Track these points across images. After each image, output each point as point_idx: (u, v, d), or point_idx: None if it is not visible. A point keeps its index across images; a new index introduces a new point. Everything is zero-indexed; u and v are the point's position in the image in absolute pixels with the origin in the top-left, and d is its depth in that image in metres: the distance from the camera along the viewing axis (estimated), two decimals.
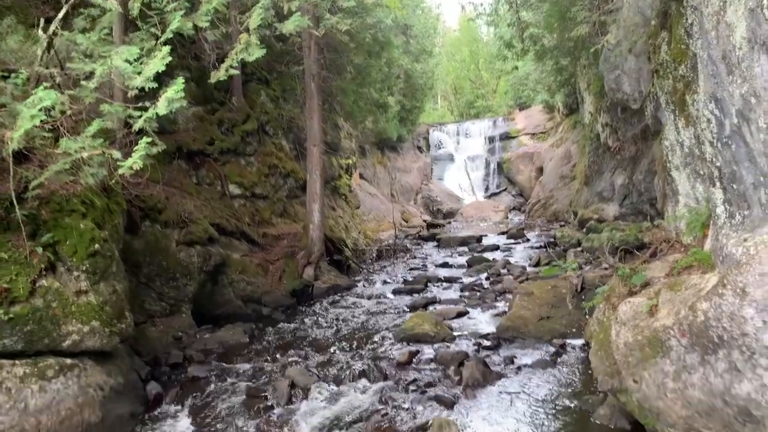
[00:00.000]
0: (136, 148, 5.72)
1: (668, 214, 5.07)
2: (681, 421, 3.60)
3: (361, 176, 19.47)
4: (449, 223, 22.71)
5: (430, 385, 6.40)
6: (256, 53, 6.78)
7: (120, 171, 5.67)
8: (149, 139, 5.72)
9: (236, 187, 10.98)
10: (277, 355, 7.57)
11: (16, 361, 5.15)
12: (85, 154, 5.55)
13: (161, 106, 5.53)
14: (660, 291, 3.91)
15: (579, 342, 7.28)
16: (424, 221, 22.28)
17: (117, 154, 5.66)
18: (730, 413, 3.21)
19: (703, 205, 4.37)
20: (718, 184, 3.83)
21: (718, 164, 3.78)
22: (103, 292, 6.01)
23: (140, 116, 5.65)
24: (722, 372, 3.20)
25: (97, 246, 6.00)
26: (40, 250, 5.48)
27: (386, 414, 5.80)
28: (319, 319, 9.40)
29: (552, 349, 7.23)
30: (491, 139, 27.86)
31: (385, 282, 12.21)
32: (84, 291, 5.79)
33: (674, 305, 3.66)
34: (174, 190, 9.35)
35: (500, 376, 6.50)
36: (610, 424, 5.11)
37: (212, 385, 6.63)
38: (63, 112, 5.70)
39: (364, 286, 11.82)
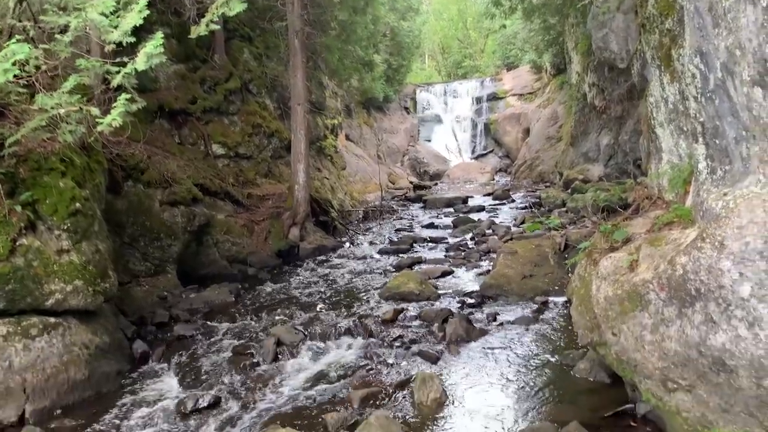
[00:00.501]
0: (114, 104, 5.60)
1: (651, 171, 5.09)
2: (657, 372, 3.68)
3: (347, 137, 19.31)
4: (436, 184, 22.71)
5: (414, 341, 6.50)
6: (237, 7, 6.59)
7: (99, 128, 5.56)
8: (128, 96, 5.59)
9: (220, 147, 10.85)
10: (263, 315, 7.62)
11: None
12: (62, 111, 5.42)
13: (140, 62, 5.39)
14: (641, 246, 3.95)
15: (561, 299, 7.39)
16: (411, 183, 22.26)
17: (95, 111, 5.53)
18: (705, 363, 3.29)
19: (685, 162, 4.38)
20: (700, 139, 3.84)
21: (701, 119, 3.78)
22: (86, 251, 5.96)
23: (118, 72, 5.50)
24: (698, 324, 3.27)
25: (77, 205, 5.92)
26: (19, 208, 5.40)
27: (371, 369, 5.89)
28: (305, 279, 9.44)
29: (534, 307, 7.34)
30: (478, 100, 27.66)
31: (371, 243, 12.25)
32: (66, 250, 5.74)
33: (654, 260, 3.71)
34: (156, 149, 9.21)
35: (483, 332, 6.61)
36: (590, 377, 5.23)
37: (198, 344, 6.68)
38: (38, 68, 5.54)
39: (350, 246, 11.86)
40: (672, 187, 4.45)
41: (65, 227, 5.76)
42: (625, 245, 4.15)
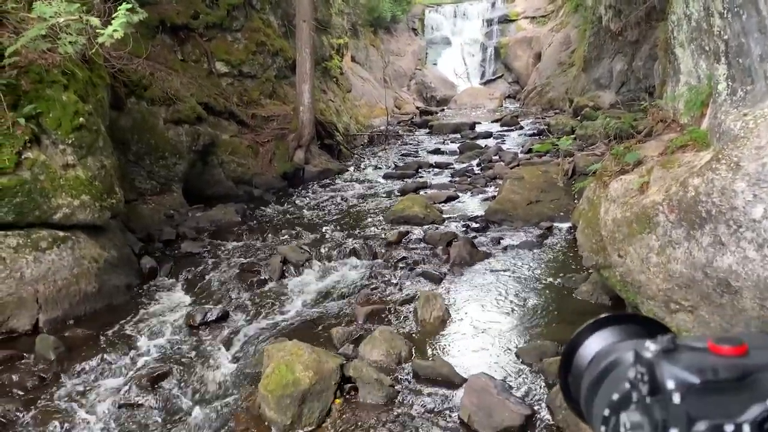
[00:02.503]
0: (115, 15, 5.41)
1: (667, 94, 4.95)
2: (661, 293, 3.72)
3: (353, 59, 18.80)
4: (442, 110, 22.32)
5: (418, 263, 6.57)
6: None
7: (100, 40, 5.40)
8: (129, 5, 5.39)
9: (223, 65, 10.58)
10: (269, 234, 7.68)
11: (8, 233, 5.18)
12: (61, 20, 5.24)
13: None
14: (652, 168, 3.89)
15: (566, 225, 7.41)
16: (417, 108, 21.87)
17: (95, 21, 5.35)
18: (710, 285, 3.31)
19: (704, 84, 4.25)
20: (722, 59, 3.70)
21: (725, 37, 3.62)
22: (91, 166, 5.94)
23: None
24: (706, 246, 3.26)
25: (81, 119, 5.84)
26: (22, 121, 5.33)
27: (376, 288, 5.99)
28: (310, 201, 9.46)
29: (539, 232, 7.37)
30: (489, 22, 26.68)
31: (376, 167, 12.17)
32: (71, 165, 5.71)
33: (665, 182, 3.66)
34: (159, 66, 8.99)
35: (487, 255, 6.66)
36: (591, 299, 5.31)
37: (205, 261, 6.77)
38: None
39: (355, 170, 11.80)
40: (688, 110, 4.33)
41: (70, 142, 5.71)
42: (637, 167, 4.09)
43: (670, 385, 0.50)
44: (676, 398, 0.49)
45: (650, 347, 0.52)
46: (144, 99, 8.39)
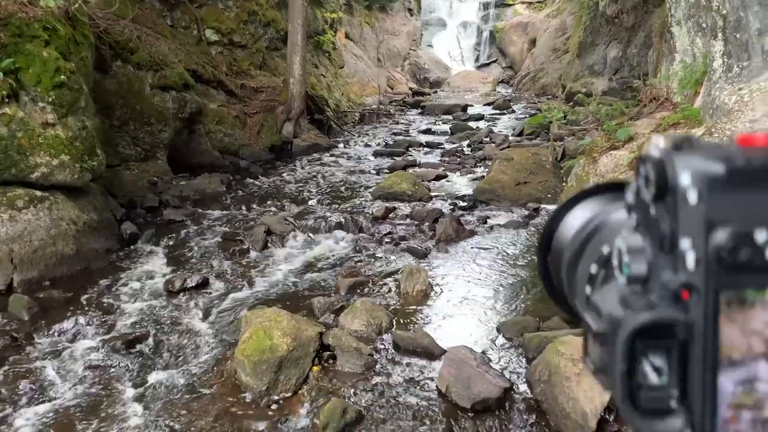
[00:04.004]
0: None
1: (661, 73, 4.89)
2: None
3: (347, 36, 18.54)
4: (435, 92, 22.16)
5: (404, 238, 6.51)
6: None
7: None
8: None
9: (213, 33, 10.37)
10: (254, 205, 7.57)
11: None
12: None
13: None
14: (643, 145, 3.84)
15: (553, 207, 7.34)
16: (410, 89, 21.69)
17: None
18: None
19: (699, 62, 4.18)
20: (719, 35, 3.63)
21: (724, 12, 3.55)
22: (72, 126, 5.78)
23: None
24: None
25: (63, 77, 5.67)
26: (0, 75, 5.16)
27: (360, 261, 5.92)
28: (298, 175, 9.34)
29: (526, 212, 7.32)
30: (486, 6, 26.44)
31: (366, 144, 12.05)
32: (51, 123, 5.56)
33: None
34: (147, 30, 8.78)
35: (473, 233, 6.61)
36: None
37: (188, 229, 6.66)
38: None
39: (344, 147, 11.67)
40: (682, 88, 4.27)
41: (50, 99, 5.55)
42: (627, 144, 4.03)
43: (685, 180, 0.39)
44: (692, 197, 0.39)
45: (659, 143, 0.42)
46: (130, 63, 8.19)
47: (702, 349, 0.40)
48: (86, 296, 5.03)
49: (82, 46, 6.42)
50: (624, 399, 0.41)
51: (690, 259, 0.39)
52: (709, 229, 0.39)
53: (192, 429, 3.59)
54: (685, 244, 0.39)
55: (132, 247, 6.16)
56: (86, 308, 4.83)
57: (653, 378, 0.41)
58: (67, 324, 4.56)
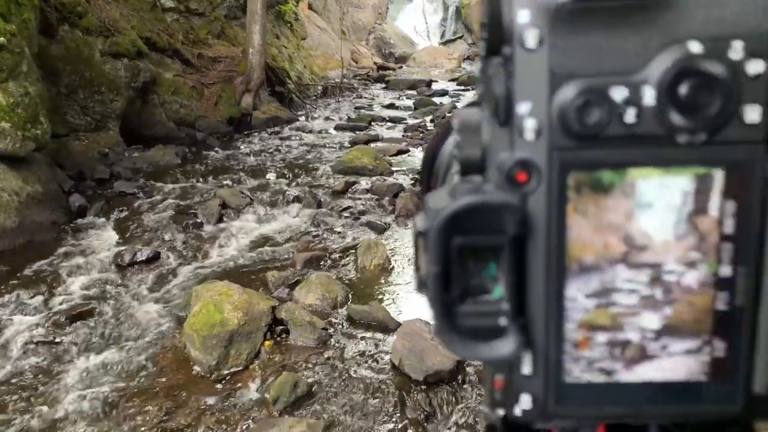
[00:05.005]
0: None
1: None
2: None
3: (310, 7, 18.15)
4: (400, 67, 21.97)
5: (363, 212, 6.44)
6: None
7: None
8: None
9: None
10: (210, 178, 7.38)
11: None
12: None
13: None
14: None
15: None
16: (375, 63, 21.46)
17: None
18: None
19: None
20: None
21: None
22: (13, 92, 5.49)
23: None
24: None
25: (2, 39, 5.36)
26: None
27: (318, 236, 5.83)
28: (256, 148, 9.14)
29: None
30: None
31: (328, 118, 11.87)
32: None
33: None
34: None
35: None
36: None
37: (139, 202, 6.45)
38: None
39: (306, 120, 11.47)
40: None
41: None
42: None
43: (523, 17, 0.30)
44: (531, 41, 0.30)
45: None
46: (78, 27, 7.82)
47: (544, 250, 0.32)
48: (29, 270, 4.83)
49: (24, 8, 6.08)
50: (439, 315, 0.32)
51: (529, 129, 0.31)
52: (554, 84, 0.30)
53: (139, 405, 3.49)
54: (523, 108, 0.31)
55: (80, 220, 5.93)
56: (28, 282, 4.63)
57: (477, 288, 0.33)
58: (7, 298, 4.37)
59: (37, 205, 5.54)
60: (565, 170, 0.31)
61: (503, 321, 0.32)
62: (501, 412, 0.35)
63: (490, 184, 0.32)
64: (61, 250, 5.23)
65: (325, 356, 3.84)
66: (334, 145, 9.59)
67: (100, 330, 4.14)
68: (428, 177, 0.50)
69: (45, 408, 3.46)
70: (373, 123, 11.49)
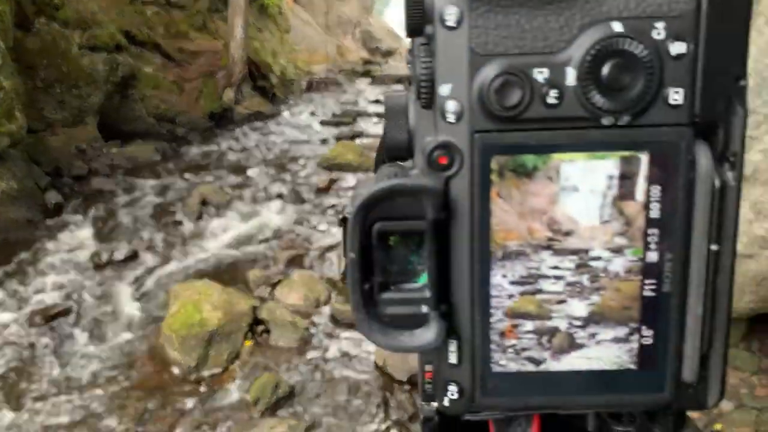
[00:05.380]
0: None
1: None
2: None
3: (295, 0, 17.99)
4: (387, 62, 21.88)
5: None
6: None
7: None
8: None
9: None
10: (190, 175, 7.26)
11: None
12: None
13: None
14: None
15: None
16: (361, 58, 21.34)
17: None
18: None
19: None
20: None
21: None
22: None
23: None
24: None
25: None
26: None
27: (301, 234, 5.77)
28: (238, 143, 9.02)
29: None
30: None
31: (312, 114, 11.76)
32: None
33: None
34: None
35: None
36: None
37: (118, 199, 6.33)
38: None
39: (290, 115, 11.34)
40: None
41: None
42: None
43: None
44: (451, 19, 0.29)
45: None
46: (56, 20, 7.64)
47: (467, 235, 0.31)
48: (3, 269, 4.71)
49: None
50: (358, 304, 0.31)
51: (450, 111, 0.30)
52: (474, 64, 0.29)
53: (115, 408, 3.42)
54: (444, 90, 0.30)
55: (57, 217, 5.80)
56: (2, 281, 4.52)
57: (404, 275, 0.31)
58: None
59: (12, 203, 5.41)
60: (487, 154, 0.30)
61: (424, 308, 0.32)
62: (434, 404, 0.35)
63: (415, 169, 0.32)
64: (37, 248, 5.11)
65: (307, 356, 3.79)
66: (318, 141, 9.50)
67: (77, 331, 4.05)
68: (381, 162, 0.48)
69: (18, 411, 3.36)
70: (358, 118, 11.40)
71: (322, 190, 6.97)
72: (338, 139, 9.54)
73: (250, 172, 7.51)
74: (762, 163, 2.81)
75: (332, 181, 7.18)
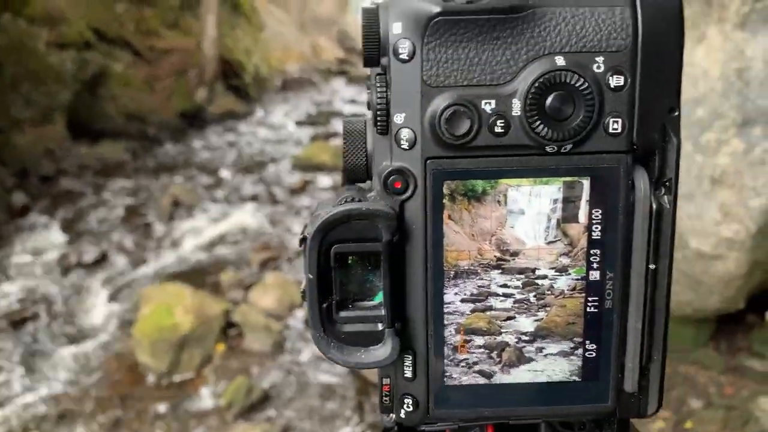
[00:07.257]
0: None
1: None
2: None
3: None
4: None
5: None
6: None
7: None
8: None
9: None
10: (162, 176, 7.17)
11: None
12: None
13: None
14: None
15: None
16: (336, 58, 21.28)
17: None
18: None
19: None
20: None
21: None
22: None
23: None
24: None
25: None
26: None
27: (275, 235, 5.73)
28: (211, 143, 8.93)
29: None
30: None
31: (286, 113, 11.70)
32: None
33: None
34: None
35: None
36: None
37: (87, 200, 6.22)
38: None
39: (263, 115, 11.27)
40: None
41: None
42: None
43: (397, 29, 0.31)
44: (404, 52, 0.31)
45: None
46: (22, 16, 7.46)
47: (421, 256, 0.33)
48: None
49: None
50: (316, 322, 0.33)
51: (404, 139, 0.32)
52: (426, 95, 0.31)
53: (85, 415, 3.36)
54: (398, 118, 0.32)
55: (23, 220, 5.67)
56: None
57: (362, 294, 0.33)
58: None
59: None
60: (438, 179, 0.32)
61: (380, 326, 0.33)
62: (392, 416, 0.36)
63: (373, 192, 0.34)
64: (3, 251, 4.98)
65: (281, 360, 3.77)
66: (293, 142, 9.45)
67: (45, 335, 3.96)
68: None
69: None
70: (332, 118, 11.38)
71: (297, 191, 6.94)
72: (313, 139, 9.50)
73: (222, 173, 7.45)
74: (729, 166, 2.85)
75: (306, 182, 7.15)
